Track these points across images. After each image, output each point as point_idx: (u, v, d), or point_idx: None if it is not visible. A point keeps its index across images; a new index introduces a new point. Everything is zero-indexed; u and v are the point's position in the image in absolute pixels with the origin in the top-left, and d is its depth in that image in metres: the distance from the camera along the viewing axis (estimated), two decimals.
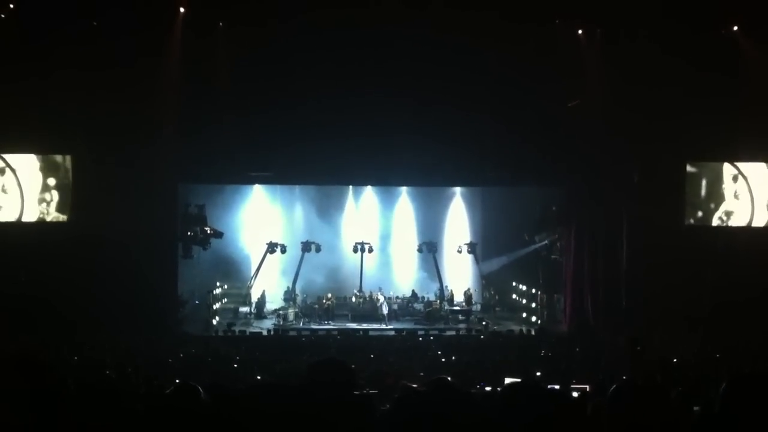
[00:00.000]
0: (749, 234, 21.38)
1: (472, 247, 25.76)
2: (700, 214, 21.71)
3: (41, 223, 20.47)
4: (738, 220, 21.62)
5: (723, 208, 21.62)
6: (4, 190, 20.45)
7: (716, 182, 21.66)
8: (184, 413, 3.40)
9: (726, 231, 21.51)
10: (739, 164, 21.59)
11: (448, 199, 27.72)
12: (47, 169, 20.54)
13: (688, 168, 21.57)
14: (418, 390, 3.87)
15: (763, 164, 21.50)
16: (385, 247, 26.83)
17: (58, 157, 20.56)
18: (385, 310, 23.56)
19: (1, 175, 20.41)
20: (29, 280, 19.13)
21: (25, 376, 2.99)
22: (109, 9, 18.78)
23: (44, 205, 20.54)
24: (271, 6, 19.05)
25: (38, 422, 2.93)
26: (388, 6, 18.91)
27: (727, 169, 21.54)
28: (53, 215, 20.51)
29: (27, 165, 20.54)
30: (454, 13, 18.76)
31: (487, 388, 9.18)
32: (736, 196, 21.57)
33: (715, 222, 21.57)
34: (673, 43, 19.17)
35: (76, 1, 18.83)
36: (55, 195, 20.52)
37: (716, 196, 21.64)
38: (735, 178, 21.49)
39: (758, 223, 21.51)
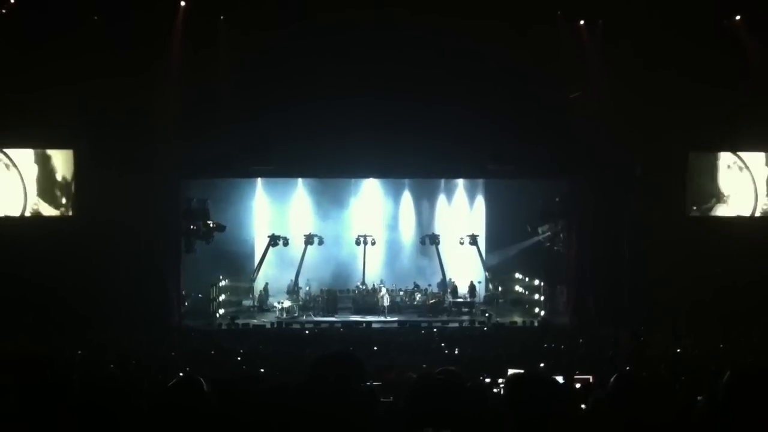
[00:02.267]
0: (752, 225, 21.39)
1: (473, 239, 25.76)
2: (702, 204, 21.72)
3: (44, 219, 20.52)
4: (741, 211, 21.65)
5: (724, 198, 21.66)
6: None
7: (717, 172, 21.67)
8: (188, 406, 3.41)
9: (728, 222, 21.51)
10: (742, 154, 21.61)
11: (451, 191, 27.69)
12: (45, 164, 20.64)
13: (691, 158, 21.58)
14: (427, 381, 3.88)
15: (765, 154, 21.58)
16: (388, 239, 26.83)
17: (59, 152, 20.63)
18: (386, 302, 23.59)
19: (6, 170, 20.52)
20: (32, 275, 19.15)
21: (27, 373, 3.00)
22: (110, 4, 18.77)
23: (42, 199, 20.65)
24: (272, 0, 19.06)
25: (40, 418, 2.95)
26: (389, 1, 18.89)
27: (729, 159, 21.55)
28: (46, 210, 20.61)
29: (27, 160, 20.63)
30: (456, 6, 18.71)
31: (487, 380, 9.17)
32: (737, 186, 21.61)
33: (718, 213, 21.60)
34: (674, 32, 19.11)
35: None
36: (53, 190, 20.65)
37: (718, 186, 21.66)
38: (740, 168, 21.52)
39: (761, 212, 21.59)
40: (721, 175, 21.62)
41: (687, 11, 19.07)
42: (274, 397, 3.61)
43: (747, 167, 21.52)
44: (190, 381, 3.60)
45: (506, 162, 21.49)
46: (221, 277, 24.89)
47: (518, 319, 22.37)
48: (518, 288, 26.65)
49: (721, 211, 21.64)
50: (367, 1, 18.99)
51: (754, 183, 21.50)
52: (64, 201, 20.68)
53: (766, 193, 21.59)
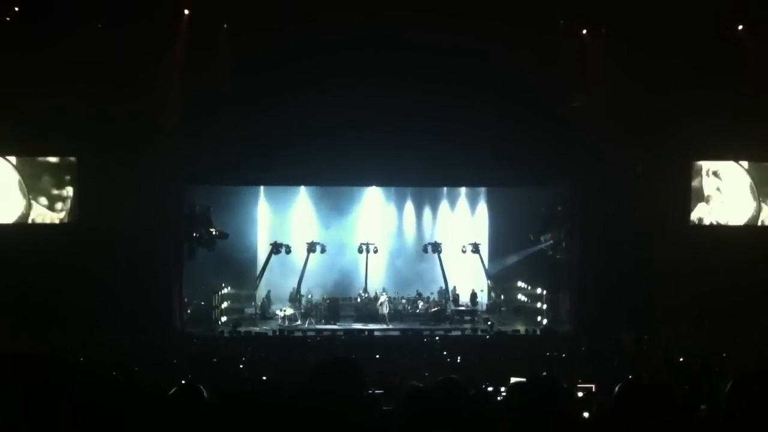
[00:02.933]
0: (754, 232, 21.38)
1: (476, 248, 25.72)
2: (704, 211, 21.73)
3: (47, 226, 20.57)
4: (742, 218, 21.66)
5: (706, 199, 21.73)
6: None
7: (701, 176, 21.72)
8: (188, 413, 3.40)
9: (731, 229, 21.51)
10: (744, 162, 21.63)
11: (453, 199, 27.70)
12: (47, 171, 20.69)
13: (693, 166, 21.63)
14: (427, 389, 3.88)
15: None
16: (390, 247, 26.82)
17: (61, 159, 20.68)
18: (385, 310, 23.53)
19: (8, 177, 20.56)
20: (35, 281, 19.16)
21: (27, 375, 3.00)
22: (113, 10, 18.83)
23: (44, 205, 20.71)
24: (274, 6, 19.08)
25: (41, 419, 2.94)
26: (390, 5, 18.91)
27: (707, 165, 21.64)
28: (49, 216, 20.65)
29: (29, 167, 20.69)
30: (458, 12, 18.75)
31: (490, 389, 9.14)
32: (739, 194, 21.68)
33: (700, 214, 21.68)
34: (677, 39, 19.14)
35: (80, 3, 18.89)
36: (55, 196, 20.70)
37: (702, 189, 21.69)
38: (715, 174, 21.66)
39: (764, 221, 21.62)
40: (702, 179, 21.81)
41: (690, 17, 19.09)
42: (275, 398, 3.60)
43: (749, 174, 21.64)
44: (190, 387, 3.60)
45: (509, 168, 21.47)
46: (224, 284, 24.88)
47: (521, 328, 22.30)
48: (521, 296, 26.57)
49: (703, 211, 21.65)
50: (369, 6, 19.00)
51: (756, 190, 21.60)
52: (66, 207, 20.71)
53: (750, 194, 21.65)
